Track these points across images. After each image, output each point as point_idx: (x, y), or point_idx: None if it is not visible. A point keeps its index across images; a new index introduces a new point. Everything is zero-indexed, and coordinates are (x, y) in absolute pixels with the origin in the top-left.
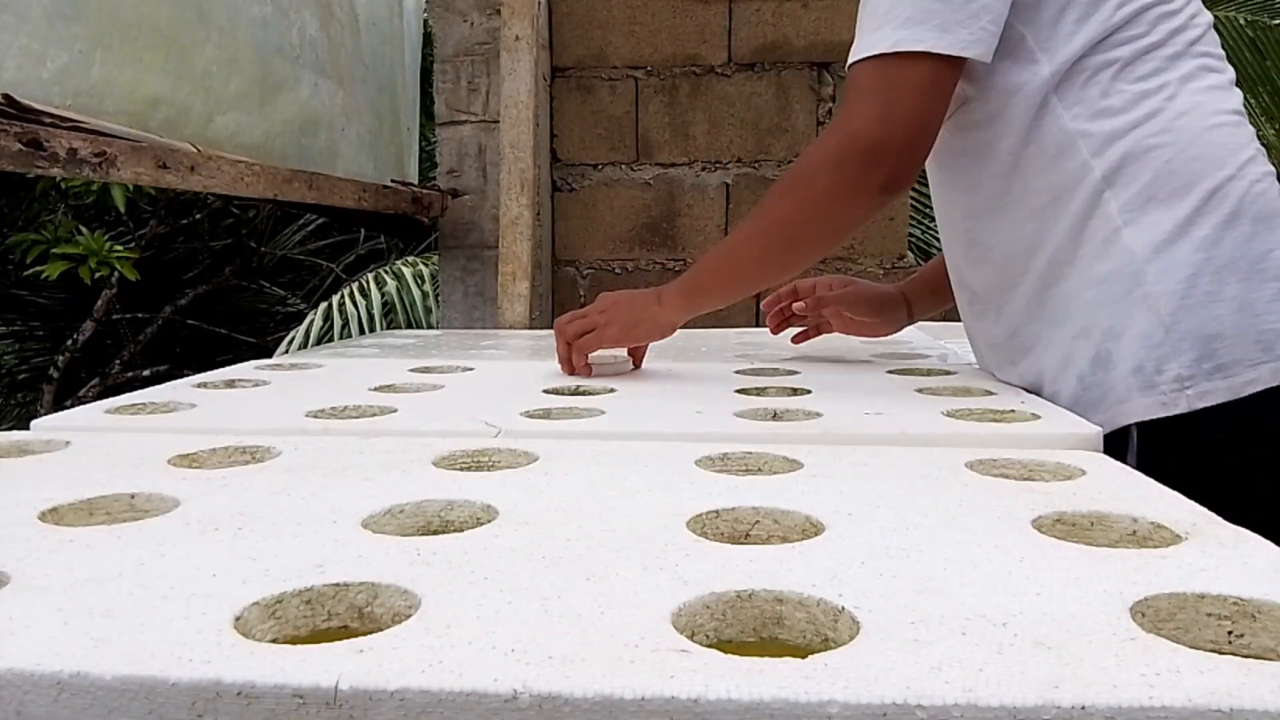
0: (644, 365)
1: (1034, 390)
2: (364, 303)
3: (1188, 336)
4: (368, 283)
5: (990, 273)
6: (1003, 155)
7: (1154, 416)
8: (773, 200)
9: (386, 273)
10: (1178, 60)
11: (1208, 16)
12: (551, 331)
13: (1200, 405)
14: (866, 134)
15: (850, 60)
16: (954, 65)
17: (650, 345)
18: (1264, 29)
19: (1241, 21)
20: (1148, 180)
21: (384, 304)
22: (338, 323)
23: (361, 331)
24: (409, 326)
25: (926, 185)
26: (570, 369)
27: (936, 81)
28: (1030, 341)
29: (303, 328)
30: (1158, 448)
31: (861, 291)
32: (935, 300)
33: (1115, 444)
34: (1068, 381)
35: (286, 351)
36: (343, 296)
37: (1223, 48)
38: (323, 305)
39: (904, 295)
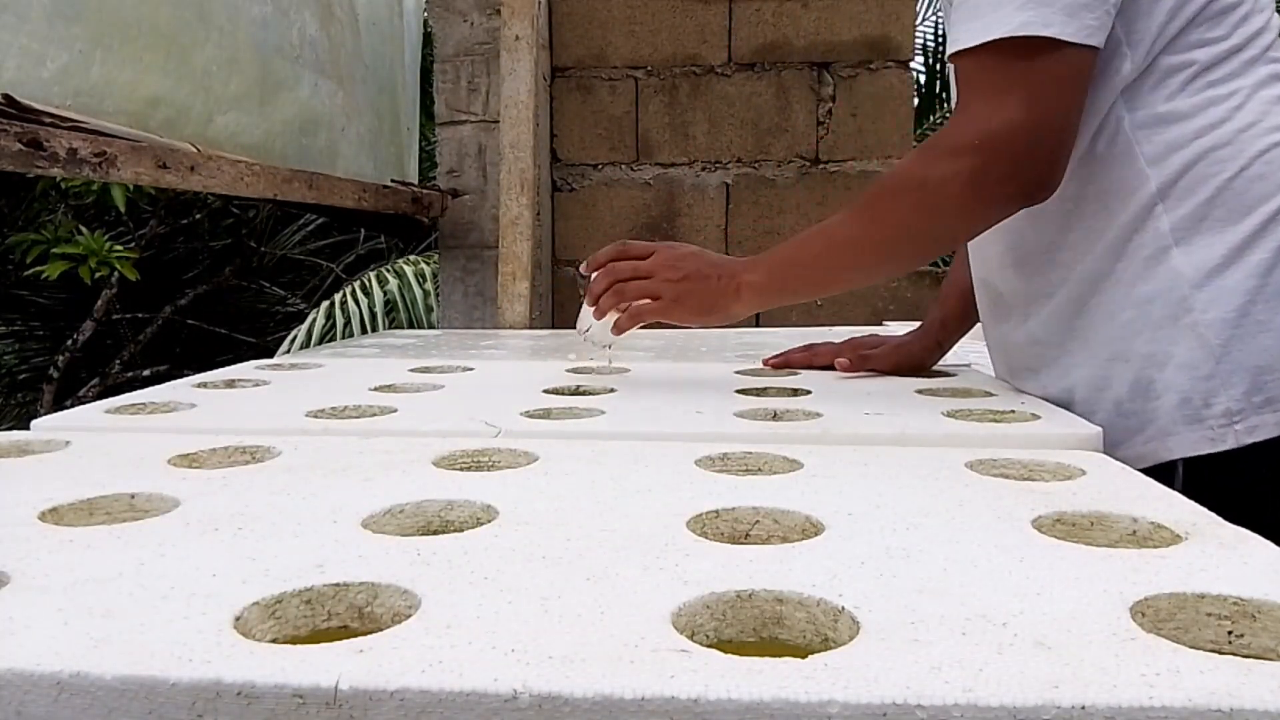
0: (644, 365)
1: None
2: (366, 301)
3: (1238, 369)
4: (369, 281)
5: (1021, 278)
6: None
7: (1201, 452)
8: (886, 204)
9: (388, 271)
10: (1253, 65)
11: None
12: (551, 332)
13: (1248, 441)
14: (1008, 135)
15: (961, 46)
16: (1087, 55)
17: (649, 345)
18: None
19: None
20: (1206, 198)
21: (386, 302)
22: (339, 321)
23: (363, 330)
24: (410, 325)
25: None
26: (600, 314)
27: (1076, 72)
28: (1055, 354)
29: (304, 327)
30: (1202, 481)
31: (905, 360)
32: (967, 326)
33: (1158, 476)
34: (1104, 405)
35: (289, 350)
36: (344, 295)
37: None
38: (324, 304)
39: (939, 343)
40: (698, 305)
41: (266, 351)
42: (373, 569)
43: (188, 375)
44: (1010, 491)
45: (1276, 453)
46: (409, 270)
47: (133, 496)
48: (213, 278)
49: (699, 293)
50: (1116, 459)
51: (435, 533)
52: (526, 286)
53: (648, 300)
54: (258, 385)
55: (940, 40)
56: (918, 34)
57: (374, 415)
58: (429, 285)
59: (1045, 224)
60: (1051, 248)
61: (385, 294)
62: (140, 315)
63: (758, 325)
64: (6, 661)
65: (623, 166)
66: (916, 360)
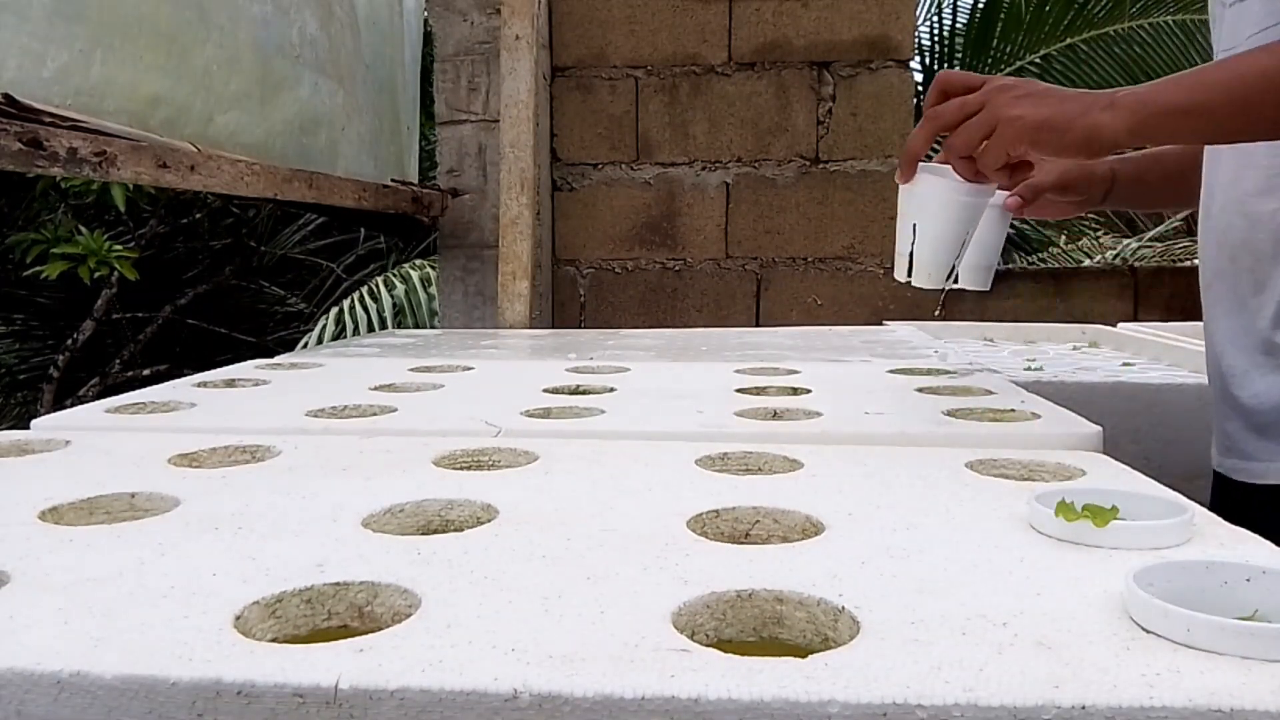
0: (643, 365)
1: None
2: (374, 306)
3: None
4: (377, 286)
5: None
6: None
7: None
8: None
9: (395, 276)
10: None
11: None
12: (551, 332)
13: None
14: None
15: None
16: None
17: (649, 345)
18: None
19: None
20: None
21: (394, 307)
22: (349, 326)
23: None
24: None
25: None
26: (908, 174)
27: None
28: None
29: (315, 333)
30: None
31: (1071, 179)
32: (1136, 191)
33: None
34: None
35: None
36: (353, 300)
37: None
38: (334, 310)
39: (1112, 174)
40: (1058, 117)
41: (266, 351)
42: (373, 569)
43: (188, 375)
44: (1010, 491)
45: None
46: (415, 275)
47: (133, 496)
48: (213, 277)
49: (1055, 107)
50: None
51: (435, 532)
52: (526, 286)
53: (980, 138)
54: (258, 385)
55: (938, 40)
56: (917, 34)
57: (374, 415)
58: (434, 289)
59: None
60: None
61: (393, 299)
62: (140, 315)
63: (758, 325)
64: (6, 661)
65: (623, 166)
66: (1083, 172)
